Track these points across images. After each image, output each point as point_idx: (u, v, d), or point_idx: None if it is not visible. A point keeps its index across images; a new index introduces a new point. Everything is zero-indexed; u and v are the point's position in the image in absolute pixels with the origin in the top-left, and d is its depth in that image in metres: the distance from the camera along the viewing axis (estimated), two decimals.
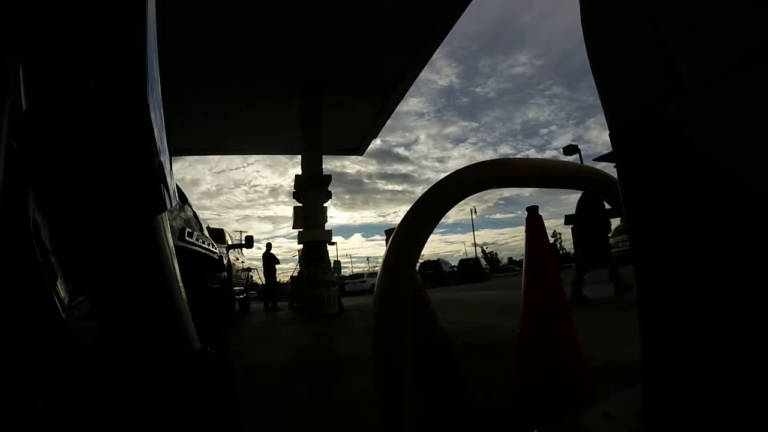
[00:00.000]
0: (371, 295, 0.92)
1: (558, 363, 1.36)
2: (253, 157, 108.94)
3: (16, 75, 0.57)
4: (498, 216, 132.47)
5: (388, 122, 11.83)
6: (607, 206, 4.69)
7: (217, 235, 7.01)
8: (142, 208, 0.63)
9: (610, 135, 0.64)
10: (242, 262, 9.21)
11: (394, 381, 0.81)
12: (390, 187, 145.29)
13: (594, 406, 0.94)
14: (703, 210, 0.52)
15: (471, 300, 8.16)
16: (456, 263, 28.85)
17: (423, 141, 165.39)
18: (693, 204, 0.53)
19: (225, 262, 5.75)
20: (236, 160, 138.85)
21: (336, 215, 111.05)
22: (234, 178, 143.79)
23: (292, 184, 9.96)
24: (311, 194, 9.32)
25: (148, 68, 0.63)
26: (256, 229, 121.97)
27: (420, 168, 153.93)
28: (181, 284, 0.68)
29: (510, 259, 67.38)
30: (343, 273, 29.71)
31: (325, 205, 9.58)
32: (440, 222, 0.89)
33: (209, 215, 79.75)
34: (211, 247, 3.42)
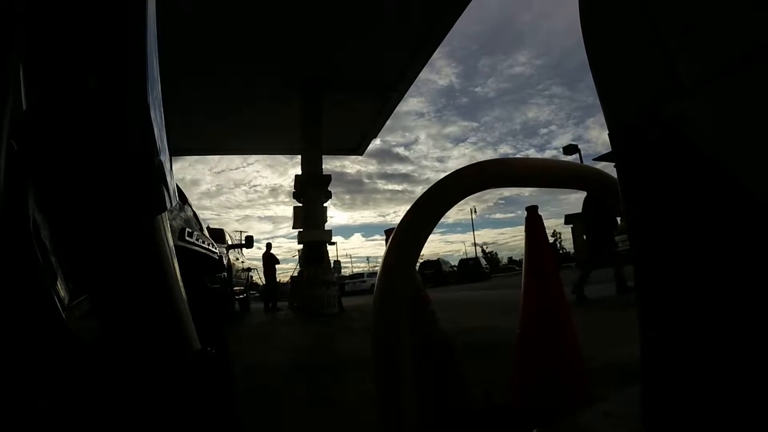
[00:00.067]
0: (371, 294, 0.92)
1: (558, 363, 1.36)
2: (253, 157, 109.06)
3: (16, 75, 0.57)
4: (498, 216, 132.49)
5: (388, 122, 11.85)
6: None
7: (217, 235, 7.01)
8: (142, 208, 0.63)
9: (609, 134, 0.64)
10: (242, 262, 9.21)
11: (393, 381, 0.81)
12: (390, 187, 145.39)
13: (594, 406, 0.94)
14: (703, 209, 0.52)
15: (471, 300, 8.16)
16: (456, 263, 28.88)
17: (423, 141, 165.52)
18: (692, 203, 0.53)
19: (225, 262, 5.75)
20: (236, 160, 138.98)
21: (336, 215, 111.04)
22: (234, 178, 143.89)
23: (292, 184, 9.97)
24: (311, 194, 9.32)
25: (148, 68, 0.63)
26: (256, 229, 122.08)
27: (420, 168, 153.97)
28: (181, 284, 0.68)
29: (510, 258, 67.46)
30: (343, 273, 29.78)
31: (325, 205, 9.58)
32: (440, 222, 0.89)
33: (209, 215, 79.77)
34: (211, 247, 3.42)
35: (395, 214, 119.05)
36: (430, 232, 0.86)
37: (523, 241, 1.53)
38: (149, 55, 0.64)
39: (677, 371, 0.57)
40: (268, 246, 10.97)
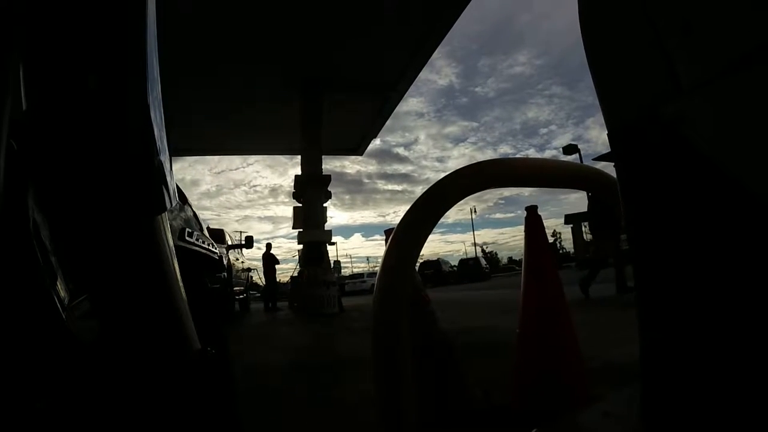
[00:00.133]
0: (371, 294, 0.92)
1: (557, 363, 1.36)
2: (252, 158, 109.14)
3: (16, 75, 0.57)
4: (498, 216, 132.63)
5: (388, 122, 11.85)
6: None
7: (217, 235, 7.01)
8: (142, 208, 0.63)
9: (608, 135, 0.64)
10: (242, 262, 9.21)
11: (393, 381, 0.81)
12: (390, 187, 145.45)
13: (593, 406, 0.94)
14: (702, 210, 0.52)
15: (471, 300, 8.16)
16: (456, 263, 28.91)
17: (423, 141, 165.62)
18: (691, 204, 0.53)
19: (225, 262, 5.75)
20: (236, 160, 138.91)
21: (336, 215, 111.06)
22: (234, 179, 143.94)
23: (292, 184, 9.97)
24: (311, 194, 9.32)
25: (148, 68, 0.63)
26: (256, 230, 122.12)
27: (420, 168, 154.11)
28: (181, 284, 0.68)
29: (510, 258, 67.50)
30: (343, 273, 29.80)
31: (324, 205, 9.58)
32: (440, 222, 0.89)
33: (209, 215, 79.87)
34: (211, 247, 3.42)
35: (395, 214, 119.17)
36: (429, 232, 0.86)
37: (523, 241, 1.53)
38: (149, 55, 0.64)
39: (677, 371, 0.57)
40: (268, 246, 10.98)
